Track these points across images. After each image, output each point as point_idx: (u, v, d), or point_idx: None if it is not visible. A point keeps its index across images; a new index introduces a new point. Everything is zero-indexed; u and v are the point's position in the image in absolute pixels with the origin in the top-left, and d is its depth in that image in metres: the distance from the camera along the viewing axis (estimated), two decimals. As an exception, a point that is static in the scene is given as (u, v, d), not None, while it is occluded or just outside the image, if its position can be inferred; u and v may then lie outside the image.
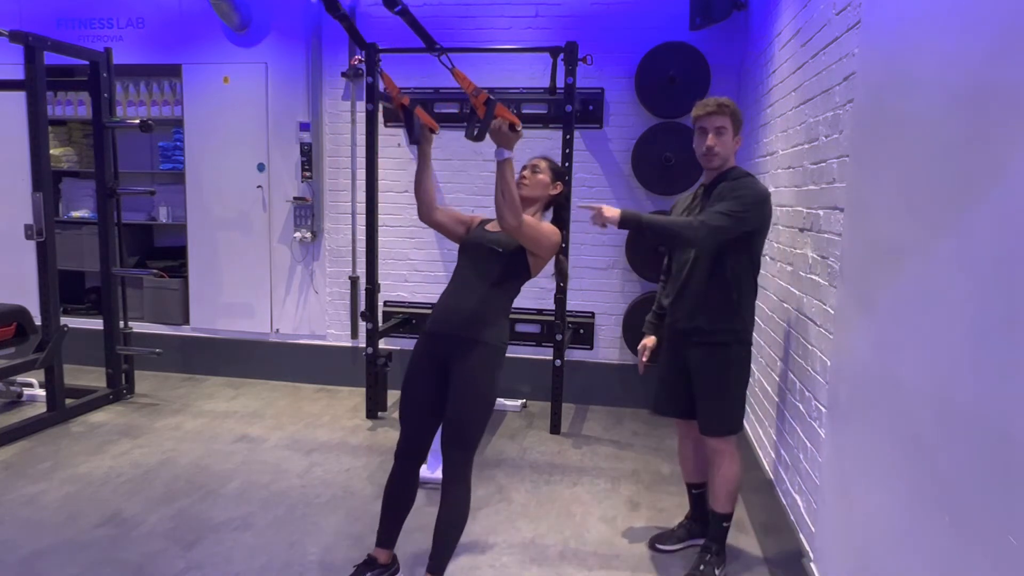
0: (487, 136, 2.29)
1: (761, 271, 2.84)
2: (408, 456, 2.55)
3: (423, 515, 2.86)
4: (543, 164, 2.61)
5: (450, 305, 2.51)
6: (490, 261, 2.50)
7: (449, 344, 2.45)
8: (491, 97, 2.28)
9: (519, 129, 2.35)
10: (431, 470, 3.18)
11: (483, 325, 2.45)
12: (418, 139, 2.54)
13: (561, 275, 2.81)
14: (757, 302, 2.89)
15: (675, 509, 3.30)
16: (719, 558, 2.78)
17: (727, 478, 2.73)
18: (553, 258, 2.62)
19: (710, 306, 2.66)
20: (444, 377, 2.46)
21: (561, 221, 2.72)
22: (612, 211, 2.55)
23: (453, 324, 2.47)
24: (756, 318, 3.03)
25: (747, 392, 2.77)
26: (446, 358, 2.46)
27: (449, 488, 2.43)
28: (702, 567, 2.74)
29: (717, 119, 2.61)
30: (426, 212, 2.61)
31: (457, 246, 2.65)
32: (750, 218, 2.55)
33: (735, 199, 2.54)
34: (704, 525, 2.92)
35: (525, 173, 2.58)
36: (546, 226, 2.53)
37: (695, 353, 2.70)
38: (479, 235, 2.60)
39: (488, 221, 2.68)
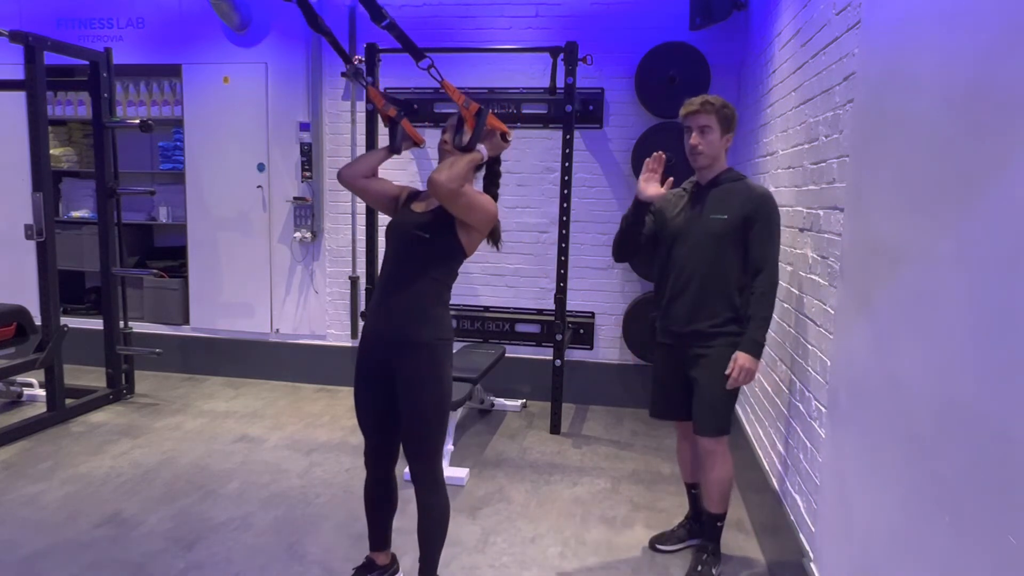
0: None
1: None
2: (377, 462, 2.50)
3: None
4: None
5: (385, 305, 2.33)
6: (418, 249, 2.31)
7: (389, 347, 2.31)
8: (482, 108, 2.25)
9: (509, 139, 2.33)
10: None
11: (422, 323, 2.29)
12: (398, 149, 2.48)
13: (494, 239, 2.48)
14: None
15: (675, 509, 3.30)
16: (715, 558, 2.79)
17: (720, 479, 2.73)
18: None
19: (709, 309, 2.65)
20: (391, 379, 2.33)
21: (493, 177, 2.49)
22: (746, 361, 2.55)
23: (391, 326, 2.31)
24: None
25: (746, 392, 2.77)
26: (388, 362, 2.32)
27: (422, 496, 2.38)
28: (699, 568, 2.74)
29: (701, 117, 2.61)
30: (352, 180, 2.44)
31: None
32: (778, 230, 2.64)
33: (768, 225, 2.59)
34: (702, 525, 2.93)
35: (446, 137, 2.34)
36: (484, 196, 2.34)
37: (693, 356, 2.68)
38: (404, 218, 2.40)
39: (416, 196, 2.49)
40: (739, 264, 2.63)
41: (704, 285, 2.65)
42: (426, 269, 2.31)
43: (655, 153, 2.67)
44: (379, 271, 2.40)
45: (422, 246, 2.31)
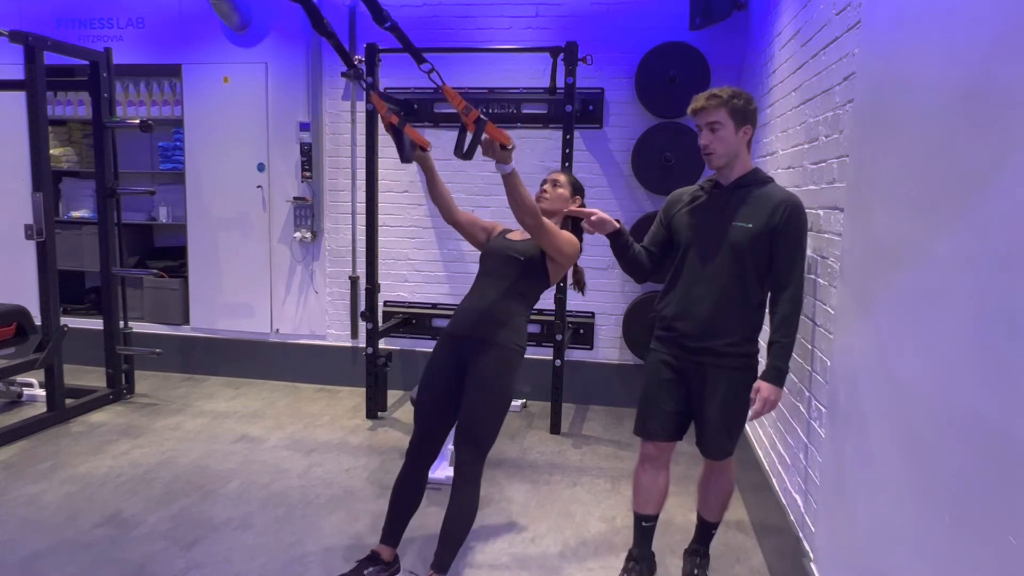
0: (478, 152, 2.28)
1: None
2: (419, 454, 2.59)
3: (425, 515, 2.86)
4: (563, 179, 2.68)
5: (469, 309, 2.58)
6: (510, 268, 2.58)
7: (466, 346, 2.51)
8: (482, 116, 2.22)
9: (511, 148, 2.30)
10: (432, 470, 3.17)
11: (500, 328, 2.51)
12: (409, 158, 2.48)
13: (579, 284, 2.87)
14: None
15: (674, 509, 3.30)
16: (707, 559, 2.79)
17: (726, 491, 2.69)
18: (571, 267, 2.72)
19: (724, 326, 2.41)
20: (460, 379, 2.51)
21: (579, 233, 2.70)
22: (771, 392, 2.31)
23: (471, 327, 2.53)
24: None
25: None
26: (463, 360, 2.51)
27: (459, 486, 2.46)
28: (695, 571, 2.73)
29: (709, 114, 2.34)
30: (447, 214, 2.72)
31: (479, 253, 2.74)
32: (806, 242, 2.42)
33: (798, 237, 2.35)
34: (649, 565, 2.68)
35: (546, 187, 2.66)
36: (566, 233, 2.60)
37: (702, 375, 2.45)
38: (500, 243, 2.67)
39: (510, 231, 2.75)
40: (760, 278, 2.40)
41: (720, 300, 2.40)
42: (514, 284, 2.57)
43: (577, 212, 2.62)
44: (471, 286, 2.65)
45: (515, 265, 2.58)
